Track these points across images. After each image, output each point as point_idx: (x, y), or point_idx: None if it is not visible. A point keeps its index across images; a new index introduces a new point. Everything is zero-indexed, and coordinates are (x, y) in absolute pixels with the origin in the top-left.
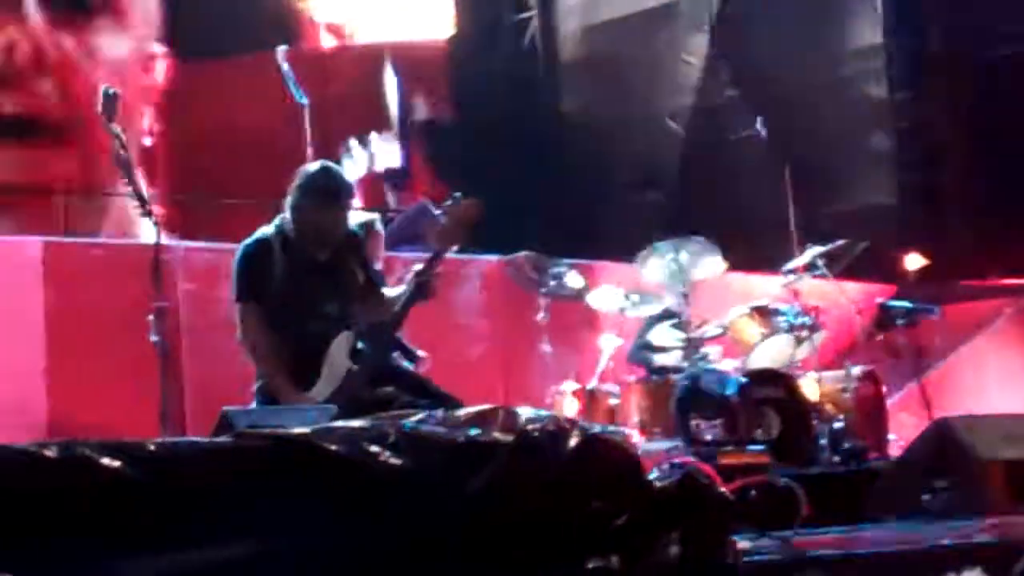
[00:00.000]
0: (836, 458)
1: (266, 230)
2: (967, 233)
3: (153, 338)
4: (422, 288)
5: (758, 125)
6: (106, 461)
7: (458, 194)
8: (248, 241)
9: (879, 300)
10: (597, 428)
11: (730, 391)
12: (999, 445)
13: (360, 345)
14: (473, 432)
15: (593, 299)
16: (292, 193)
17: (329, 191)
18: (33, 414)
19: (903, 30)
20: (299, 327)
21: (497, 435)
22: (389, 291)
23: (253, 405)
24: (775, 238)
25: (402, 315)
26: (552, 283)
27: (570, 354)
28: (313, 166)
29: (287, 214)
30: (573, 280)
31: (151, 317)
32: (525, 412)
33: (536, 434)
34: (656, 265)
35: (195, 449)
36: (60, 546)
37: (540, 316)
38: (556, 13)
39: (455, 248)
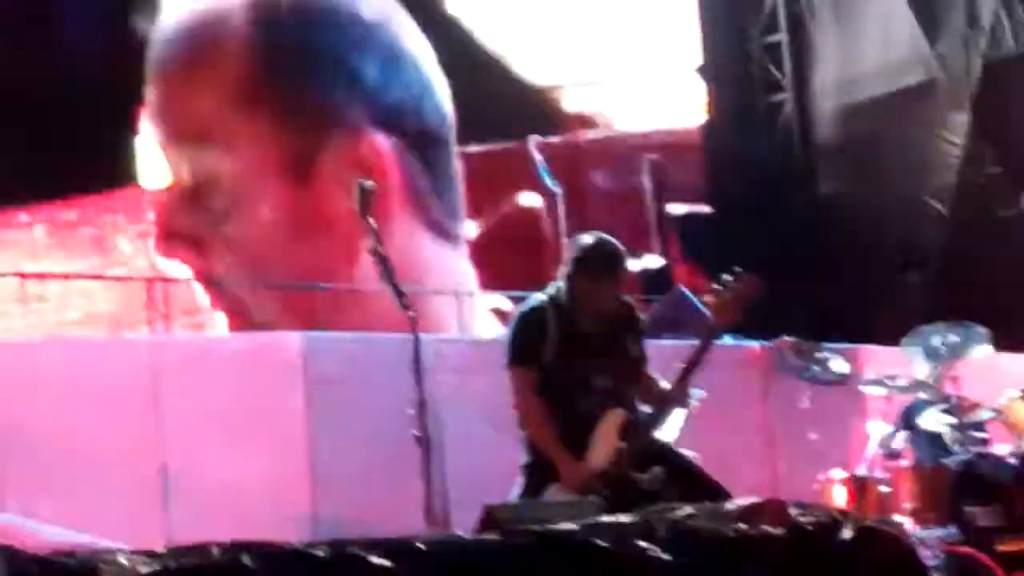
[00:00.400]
0: None
1: (540, 297)
2: None
3: (414, 432)
4: (683, 391)
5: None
6: (375, 559)
7: (738, 269)
8: (524, 307)
9: None
10: (871, 519)
11: (1006, 476)
12: None
13: (631, 422)
14: (743, 526)
15: (858, 384)
16: (566, 263)
17: (603, 261)
18: (297, 508)
19: None
20: (570, 399)
21: (768, 529)
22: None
23: (518, 485)
24: None
25: (663, 411)
26: (816, 369)
27: (837, 441)
28: (587, 237)
29: (561, 283)
30: (837, 365)
31: (411, 411)
32: (796, 504)
33: (808, 527)
34: (922, 348)
35: (462, 546)
36: None
37: (804, 403)
38: (810, 95)
39: (731, 328)
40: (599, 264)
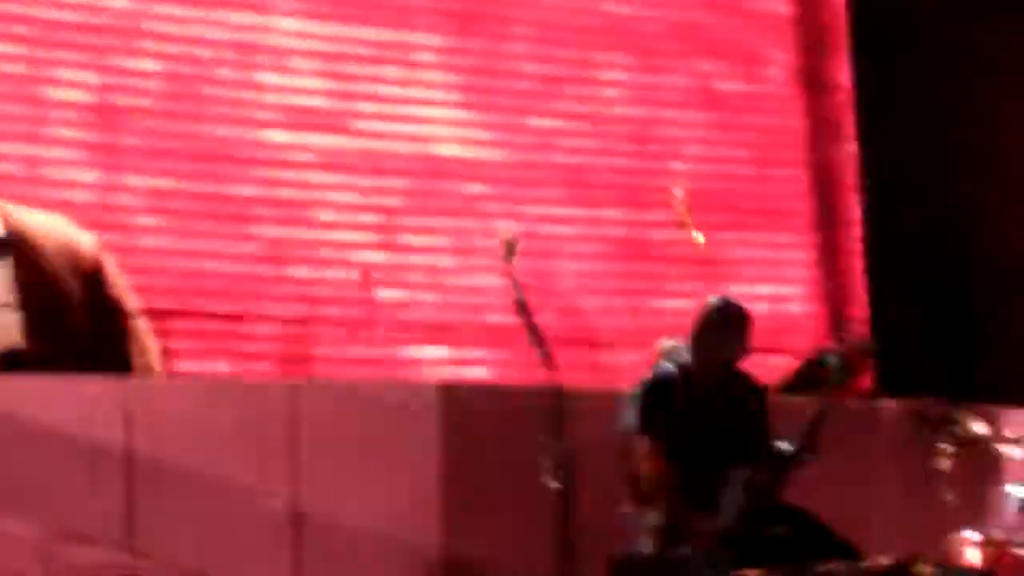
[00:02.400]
0: None
1: (667, 364)
2: None
3: (551, 482)
4: (811, 444)
5: None
6: None
7: (862, 336)
8: (653, 374)
9: None
10: None
11: None
12: None
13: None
14: None
15: (997, 446)
16: (693, 326)
17: (727, 318)
18: (426, 555)
19: None
20: (697, 463)
21: None
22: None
23: (644, 544)
24: None
25: (784, 471)
26: (954, 428)
27: (973, 504)
28: (714, 298)
29: (689, 346)
30: (975, 425)
31: (547, 460)
32: (936, 563)
33: None
34: None
35: None
36: None
37: (941, 464)
38: None
39: (851, 386)
40: (723, 321)
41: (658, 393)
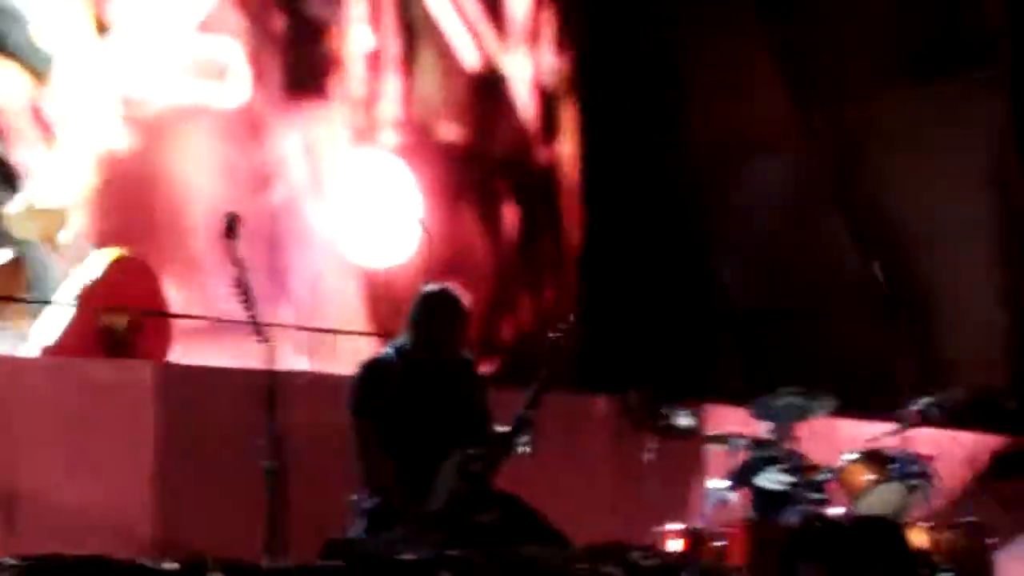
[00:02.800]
0: None
1: (386, 350)
2: None
3: (263, 462)
4: (524, 425)
5: (875, 269)
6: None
7: (571, 317)
8: (367, 360)
9: (993, 450)
10: (710, 564)
11: (839, 536)
12: None
13: (471, 463)
14: (586, 566)
15: (703, 440)
16: (410, 313)
17: (445, 308)
18: (139, 535)
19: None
20: (414, 445)
21: (610, 570)
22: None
23: (358, 527)
24: (889, 384)
25: (501, 454)
26: (662, 423)
27: (678, 495)
28: (431, 286)
29: (407, 334)
30: (683, 420)
31: (261, 441)
32: (639, 548)
33: (650, 569)
34: (768, 409)
35: (306, 572)
36: None
37: (648, 455)
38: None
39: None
40: (441, 310)
41: (375, 377)
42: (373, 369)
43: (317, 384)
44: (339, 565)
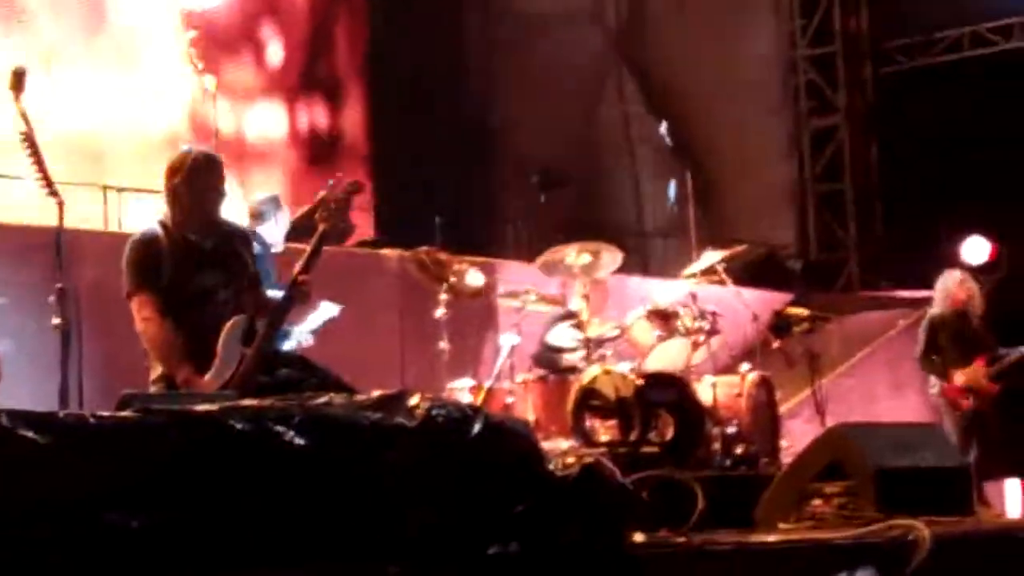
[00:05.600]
0: (728, 462)
1: (152, 222)
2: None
3: (54, 320)
4: (299, 290)
5: (662, 129)
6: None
7: (339, 174)
8: (135, 235)
9: (776, 307)
10: (500, 416)
11: (627, 392)
12: (891, 453)
13: (253, 328)
14: (377, 415)
15: (493, 297)
16: (166, 180)
17: (199, 168)
18: None
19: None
20: (192, 314)
21: (401, 419)
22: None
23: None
24: (675, 242)
25: (280, 316)
26: (453, 280)
27: (468, 351)
28: (181, 150)
29: (168, 204)
30: (473, 277)
31: (52, 299)
32: (429, 398)
33: (440, 419)
34: (556, 265)
35: (102, 423)
36: None
37: (439, 312)
38: None
39: (339, 236)
40: (196, 172)
41: (144, 249)
42: (141, 242)
43: (106, 241)
44: (134, 415)
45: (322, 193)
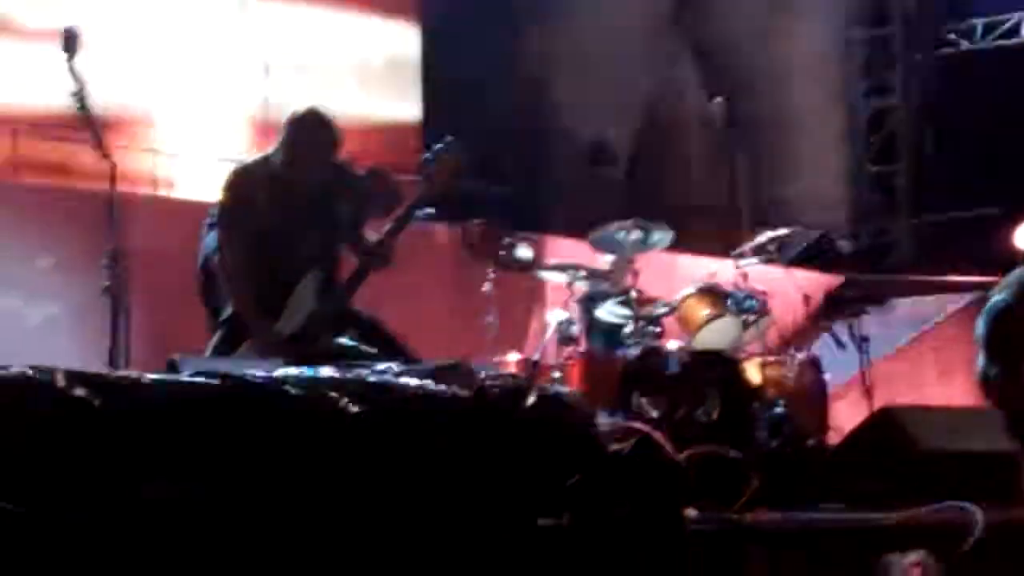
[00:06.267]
0: (774, 442)
1: (256, 158)
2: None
3: (105, 283)
4: (381, 254)
5: (714, 106)
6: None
7: (449, 139)
8: (236, 167)
9: (827, 289)
10: (554, 389)
11: (674, 370)
12: (941, 436)
13: (331, 284)
14: (433, 385)
15: (542, 272)
16: (283, 129)
17: (316, 123)
18: None
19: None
20: (274, 257)
21: (456, 389)
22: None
23: (217, 336)
24: (727, 221)
25: (360, 278)
26: (502, 254)
27: (516, 326)
28: (302, 107)
29: (277, 148)
30: (522, 252)
31: (104, 261)
32: (484, 369)
33: (495, 390)
34: (607, 241)
35: (157, 384)
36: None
37: (487, 287)
38: None
39: (439, 197)
40: (313, 126)
41: (241, 187)
42: (241, 175)
43: (157, 206)
44: (184, 378)
45: (428, 155)
